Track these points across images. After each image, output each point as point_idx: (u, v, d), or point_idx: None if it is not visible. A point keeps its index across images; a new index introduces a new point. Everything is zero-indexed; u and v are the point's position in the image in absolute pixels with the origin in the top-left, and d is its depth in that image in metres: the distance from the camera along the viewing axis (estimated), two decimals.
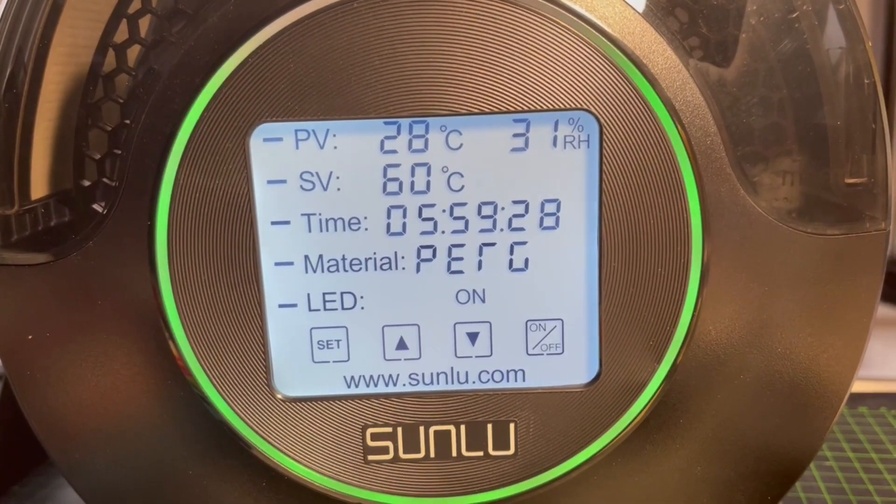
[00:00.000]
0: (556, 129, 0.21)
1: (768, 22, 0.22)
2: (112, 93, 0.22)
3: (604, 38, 0.20)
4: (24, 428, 0.24)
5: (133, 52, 0.22)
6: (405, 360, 0.22)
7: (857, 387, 0.49)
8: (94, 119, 0.22)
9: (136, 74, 0.22)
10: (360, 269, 0.22)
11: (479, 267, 0.22)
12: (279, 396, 0.22)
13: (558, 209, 0.22)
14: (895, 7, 0.62)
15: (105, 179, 0.22)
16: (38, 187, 0.22)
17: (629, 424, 0.22)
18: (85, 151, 0.22)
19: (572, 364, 0.22)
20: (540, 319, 0.22)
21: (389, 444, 0.22)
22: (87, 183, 0.22)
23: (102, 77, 0.22)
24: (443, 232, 0.22)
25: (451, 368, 0.23)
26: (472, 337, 0.22)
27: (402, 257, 0.22)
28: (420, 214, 0.21)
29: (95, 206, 0.22)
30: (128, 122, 0.21)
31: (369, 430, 0.22)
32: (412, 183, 0.21)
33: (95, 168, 0.22)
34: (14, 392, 0.23)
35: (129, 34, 0.22)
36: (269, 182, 0.21)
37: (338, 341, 0.22)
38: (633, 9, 0.20)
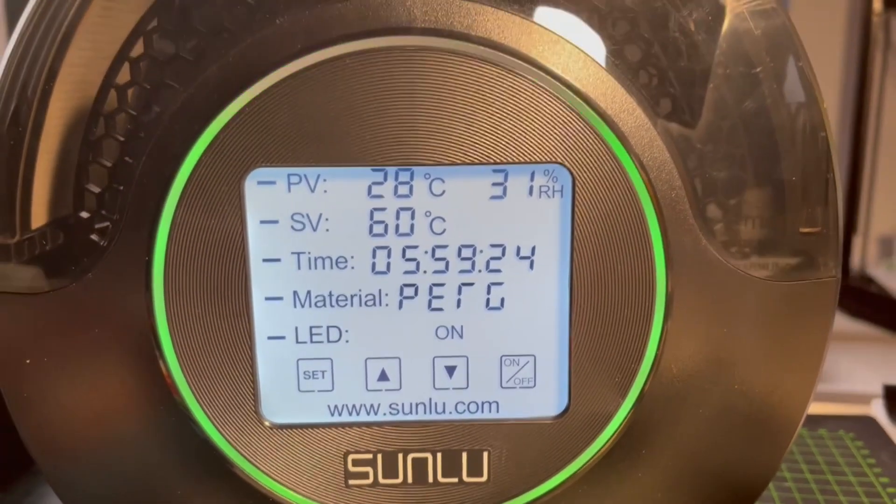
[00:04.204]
0: (532, 179, 0.22)
1: (732, 77, 0.23)
2: (113, 131, 0.23)
3: (578, 98, 0.22)
4: (9, 436, 0.25)
5: (134, 93, 0.23)
6: (386, 390, 0.24)
7: (818, 409, 0.51)
8: (95, 155, 0.23)
9: (137, 115, 0.23)
10: (346, 304, 0.23)
11: (458, 305, 0.23)
12: (266, 423, 0.24)
13: (533, 253, 0.23)
14: (867, 59, 0.64)
15: (105, 213, 0.23)
16: (39, 218, 0.23)
17: (595, 454, 0.24)
18: (85, 185, 0.23)
19: (543, 397, 0.24)
20: (514, 355, 0.24)
21: (370, 469, 0.24)
22: (86, 215, 0.23)
23: (104, 115, 0.23)
24: (425, 272, 0.23)
25: (430, 399, 0.24)
26: (450, 370, 0.24)
27: (386, 294, 0.23)
28: (404, 255, 0.23)
29: (94, 238, 0.23)
30: (128, 159, 0.22)
31: (351, 457, 0.24)
32: (397, 226, 0.23)
33: (95, 202, 0.23)
34: (9, 410, 0.24)
35: (131, 76, 0.23)
36: (262, 222, 0.22)
37: (323, 372, 0.24)
38: (605, 70, 0.22)
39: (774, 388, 0.25)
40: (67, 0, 0.22)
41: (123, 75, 0.23)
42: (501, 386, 0.24)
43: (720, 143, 0.23)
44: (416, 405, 0.24)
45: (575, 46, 0.22)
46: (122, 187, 0.23)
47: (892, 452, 0.44)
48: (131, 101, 0.23)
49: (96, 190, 0.23)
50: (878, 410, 0.49)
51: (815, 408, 0.50)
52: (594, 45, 0.22)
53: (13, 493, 0.41)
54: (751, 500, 0.26)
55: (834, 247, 0.24)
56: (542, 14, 0.22)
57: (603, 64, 0.22)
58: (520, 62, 0.21)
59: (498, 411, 0.24)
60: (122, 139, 0.23)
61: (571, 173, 0.22)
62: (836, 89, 0.66)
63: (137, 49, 0.23)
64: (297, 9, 0.21)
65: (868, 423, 0.48)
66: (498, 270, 0.23)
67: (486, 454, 0.24)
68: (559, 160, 0.22)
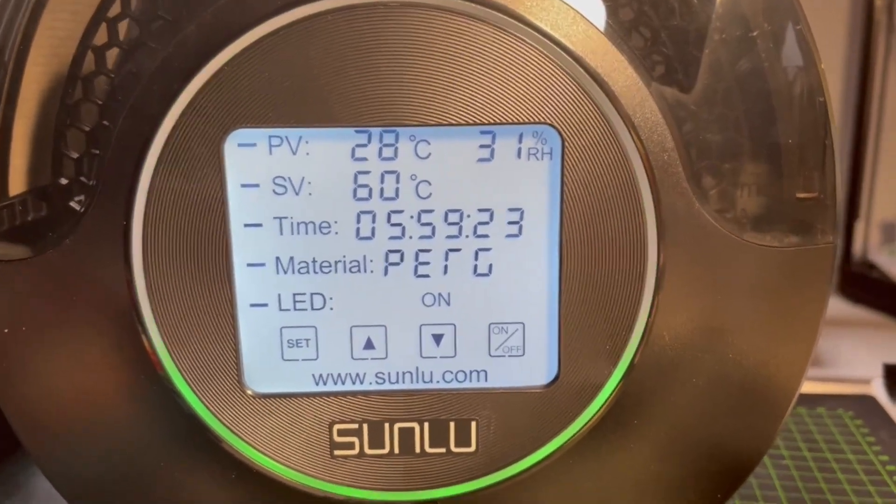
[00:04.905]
0: (520, 141, 0.22)
1: (728, 41, 0.22)
2: (91, 94, 0.22)
3: (568, 56, 0.21)
4: None
5: (112, 55, 0.22)
6: (372, 359, 0.23)
7: (816, 388, 0.51)
8: (73, 119, 0.22)
9: (115, 77, 0.22)
10: (330, 271, 0.23)
11: (445, 271, 0.23)
12: (249, 393, 0.23)
13: (521, 217, 0.22)
14: (870, 43, 0.63)
15: (82, 178, 0.22)
16: (16, 184, 0.23)
17: (585, 424, 0.23)
18: (63, 150, 0.23)
19: (532, 365, 0.23)
20: (502, 323, 0.23)
21: (355, 439, 0.23)
22: (64, 181, 0.23)
23: (81, 79, 0.22)
24: (410, 237, 0.22)
25: (417, 368, 0.23)
26: (437, 338, 0.23)
27: (371, 261, 0.23)
28: (389, 220, 0.22)
29: (73, 205, 0.22)
30: (106, 123, 0.22)
31: (336, 426, 0.23)
32: (381, 189, 0.22)
33: (73, 167, 0.22)
34: None
35: (108, 37, 0.22)
36: (243, 185, 0.22)
37: (307, 340, 0.23)
38: (597, 28, 0.21)
39: (770, 358, 0.24)
40: None
41: (101, 36, 0.22)
42: (490, 354, 0.23)
43: (715, 106, 0.23)
44: (403, 374, 0.23)
45: (565, 3, 0.21)
46: (99, 152, 0.22)
47: (891, 431, 0.44)
48: (109, 63, 0.22)
49: (74, 155, 0.22)
50: (877, 389, 0.49)
51: (814, 388, 0.50)
52: (586, 4, 0.21)
53: (1, 473, 0.41)
54: (745, 472, 0.26)
55: (832, 214, 0.24)
56: None
57: (594, 23, 0.21)
58: (508, 19, 0.21)
59: (486, 380, 0.24)
60: (99, 102, 0.22)
61: (561, 134, 0.21)
62: (839, 74, 0.66)
63: (115, 9, 0.22)
64: None
65: (867, 401, 0.48)
66: (486, 236, 0.22)
67: (474, 424, 0.23)
68: (548, 121, 0.21)
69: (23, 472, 0.40)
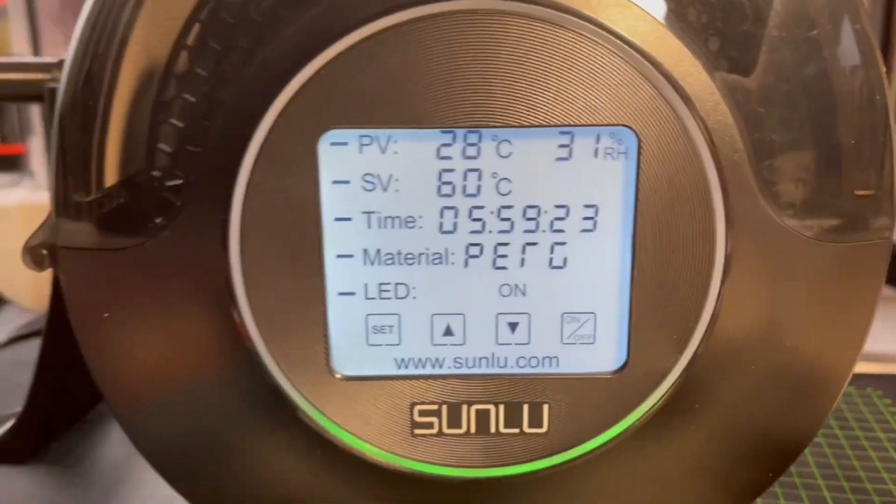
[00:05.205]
0: (597, 141, 0.23)
1: (790, 40, 0.23)
2: (186, 91, 0.23)
3: (644, 60, 0.22)
4: (60, 389, 0.26)
5: (206, 54, 0.23)
6: (451, 345, 0.25)
7: None
8: (167, 116, 0.24)
9: (209, 76, 0.23)
10: (414, 262, 0.24)
11: (522, 264, 0.24)
12: (337, 375, 0.25)
13: (596, 214, 0.24)
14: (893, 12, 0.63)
15: (178, 172, 0.24)
16: (112, 176, 0.24)
17: (651, 408, 0.25)
18: (157, 145, 0.24)
19: (602, 353, 0.25)
20: (575, 312, 0.25)
21: (435, 419, 0.25)
22: (158, 174, 0.24)
23: (176, 76, 0.23)
24: (490, 231, 0.24)
25: (493, 354, 0.25)
26: (513, 326, 0.25)
27: (453, 253, 0.24)
28: (470, 215, 0.24)
29: (168, 197, 0.24)
30: (204, 122, 0.23)
31: (417, 407, 0.25)
32: (464, 186, 0.23)
33: (168, 161, 0.24)
34: (86, 361, 0.25)
35: (202, 38, 0.23)
36: (335, 182, 0.23)
37: (391, 327, 0.25)
38: (672, 33, 0.22)
39: (823, 347, 0.25)
40: None
41: (195, 37, 0.23)
42: (562, 342, 0.25)
43: (780, 106, 0.23)
44: (480, 359, 0.25)
45: (642, 9, 0.22)
46: (196, 148, 0.23)
47: None
48: (204, 62, 0.23)
49: (169, 149, 0.24)
50: None
51: None
52: (660, 7, 0.22)
53: (65, 443, 0.42)
54: (796, 453, 0.27)
55: (889, 209, 0.25)
56: None
57: (669, 26, 0.22)
58: (587, 24, 0.22)
59: (558, 366, 0.25)
60: (193, 100, 0.23)
61: (637, 135, 0.23)
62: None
63: (209, 9, 0.23)
64: None
65: (894, 381, 0.49)
66: (561, 230, 0.24)
67: (546, 406, 0.25)
68: (625, 122, 0.22)
69: (85, 442, 0.42)
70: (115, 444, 0.41)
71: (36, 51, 0.82)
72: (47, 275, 0.29)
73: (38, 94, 0.40)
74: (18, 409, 0.41)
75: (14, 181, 0.80)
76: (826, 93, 0.24)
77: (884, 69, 0.24)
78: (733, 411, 0.26)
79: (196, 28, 0.23)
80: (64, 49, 0.25)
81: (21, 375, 0.54)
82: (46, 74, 0.40)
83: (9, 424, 0.42)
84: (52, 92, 0.37)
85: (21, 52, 0.82)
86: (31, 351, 0.58)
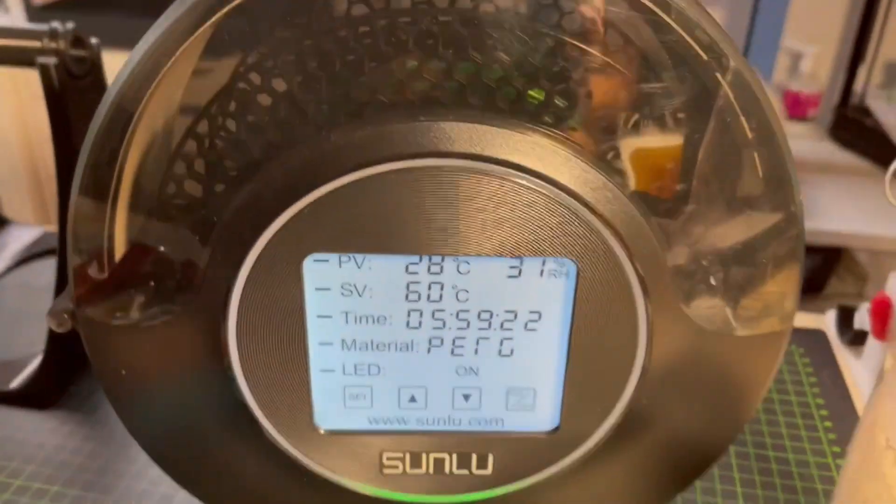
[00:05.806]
0: (543, 265, 0.27)
1: (714, 194, 0.27)
2: (180, 220, 0.26)
3: (581, 206, 0.25)
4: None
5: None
6: (414, 409, 0.30)
7: None
8: (169, 232, 0.27)
9: (207, 203, 0.26)
10: (385, 350, 0.28)
11: (476, 352, 0.29)
12: (320, 430, 0.30)
13: (539, 318, 0.28)
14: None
15: (183, 285, 0.27)
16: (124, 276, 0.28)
17: (577, 459, 0.30)
18: (162, 255, 0.27)
19: (540, 417, 0.30)
20: (519, 388, 0.29)
21: (400, 463, 0.30)
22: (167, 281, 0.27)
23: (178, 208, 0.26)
24: (449, 328, 0.28)
25: (449, 416, 0.30)
26: (466, 397, 0.30)
27: (417, 344, 0.28)
28: (433, 316, 0.28)
29: (175, 291, 0.27)
30: (200, 243, 0.26)
31: (385, 454, 0.30)
32: (429, 294, 0.27)
33: (172, 269, 0.27)
34: (106, 396, 0.30)
35: (198, 151, 0.26)
36: (317, 289, 0.27)
37: (364, 395, 0.29)
38: (611, 191, 0.26)
39: (716, 421, 0.31)
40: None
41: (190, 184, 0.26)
42: (507, 409, 0.30)
43: (698, 237, 0.27)
44: (438, 419, 0.30)
45: (588, 166, 0.25)
46: (193, 268, 0.27)
47: (833, 372, 0.51)
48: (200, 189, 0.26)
49: (174, 258, 0.27)
50: (829, 325, 0.55)
51: None
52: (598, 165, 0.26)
53: (83, 387, 0.47)
54: (705, 469, 0.33)
55: (791, 304, 0.29)
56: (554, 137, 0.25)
57: (604, 180, 0.26)
58: (536, 180, 0.25)
59: (503, 426, 0.30)
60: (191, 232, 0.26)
61: (576, 263, 0.26)
62: None
63: (203, 126, 0.26)
64: (350, 128, 0.24)
65: (819, 338, 0.54)
66: (510, 329, 0.28)
67: (491, 455, 0.30)
68: (566, 255, 0.26)
69: (100, 388, 0.48)
70: None
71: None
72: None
73: (30, 61, 0.41)
74: (35, 349, 0.45)
75: None
76: (741, 223, 0.27)
77: (801, 206, 0.27)
78: (649, 457, 0.31)
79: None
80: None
81: (31, 304, 0.58)
82: (37, 42, 0.42)
83: (31, 368, 0.46)
84: (45, 68, 0.39)
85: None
86: (38, 275, 0.61)
